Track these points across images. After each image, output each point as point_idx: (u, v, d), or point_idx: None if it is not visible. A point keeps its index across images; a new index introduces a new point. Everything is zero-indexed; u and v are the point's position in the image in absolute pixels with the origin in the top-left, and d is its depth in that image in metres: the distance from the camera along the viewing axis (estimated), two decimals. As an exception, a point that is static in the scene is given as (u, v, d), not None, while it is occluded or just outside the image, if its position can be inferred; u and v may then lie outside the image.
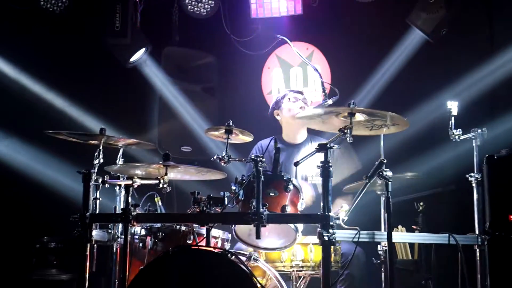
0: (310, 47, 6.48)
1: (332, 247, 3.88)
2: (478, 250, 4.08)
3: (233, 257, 3.67)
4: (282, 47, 6.47)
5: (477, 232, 4.12)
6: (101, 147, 4.21)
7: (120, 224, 4.15)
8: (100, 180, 3.94)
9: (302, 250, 4.09)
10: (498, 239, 3.91)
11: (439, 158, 5.42)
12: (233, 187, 3.78)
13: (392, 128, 3.81)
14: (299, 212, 3.85)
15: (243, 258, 3.86)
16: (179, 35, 6.48)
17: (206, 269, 3.55)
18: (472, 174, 4.19)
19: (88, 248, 3.78)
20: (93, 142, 4.30)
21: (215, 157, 3.95)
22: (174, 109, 6.21)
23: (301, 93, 5.26)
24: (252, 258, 3.94)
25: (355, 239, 3.72)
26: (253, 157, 3.59)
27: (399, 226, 4.79)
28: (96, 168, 4.08)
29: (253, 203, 3.52)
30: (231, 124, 4.02)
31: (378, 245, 4.35)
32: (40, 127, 4.63)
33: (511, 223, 3.86)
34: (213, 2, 6.33)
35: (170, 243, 4.15)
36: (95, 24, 5.98)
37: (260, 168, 3.57)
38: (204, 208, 3.73)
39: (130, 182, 3.82)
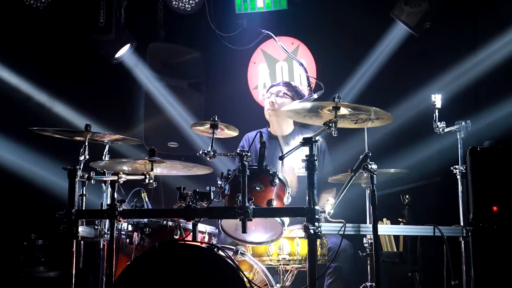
0: (295, 41, 6.49)
1: (319, 240, 3.91)
2: (463, 241, 4.12)
3: (220, 251, 3.67)
4: (267, 42, 6.48)
5: (462, 223, 4.15)
6: (86, 143, 4.20)
7: (107, 220, 4.15)
8: (85, 176, 3.93)
9: (288, 244, 4.11)
10: (481, 230, 3.96)
11: (424, 151, 5.46)
12: (219, 182, 3.79)
13: (376, 122, 3.83)
14: (285, 206, 3.87)
15: (230, 253, 3.87)
16: (164, 31, 6.48)
17: (193, 264, 3.56)
18: (456, 166, 4.22)
19: (75, 245, 3.77)
20: (78, 138, 4.28)
21: (200, 152, 3.95)
22: (160, 104, 6.20)
23: (273, 86, 5.29)
24: (239, 252, 3.96)
25: (341, 232, 3.74)
26: (238, 151, 3.60)
27: (384, 219, 4.82)
28: (82, 164, 4.07)
29: (239, 198, 3.54)
30: (216, 119, 4.01)
31: (364, 238, 4.38)
32: (24, 124, 4.61)
33: (495, 214, 3.91)
34: (198, -3, 6.33)
35: (157, 238, 4.16)
36: (79, 20, 5.94)
37: (246, 163, 3.58)
38: (190, 203, 3.73)
39: (115, 178, 3.82)
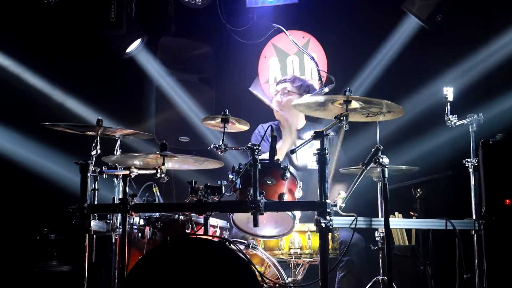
0: (306, 35, 6.47)
1: (330, 234, 3.91)
2: (475, 235, 4.10)
3: (232, 245, 3.68)
4: (278, 36, 6.47)
5: (474, 217, 4.14)
6: (98, 138, 4.21)
7: (119, 214, 4.17)
8: (97, 171, 3.95)
9: (300, 238, 4.10)
10: (494, 223, 3.94)
11: (436, 144, 5.43)
12: (230, 176, 3.79)
13: (388, 115, 3.82)
14: (296, 200, 3.87)
15: (242, 246, 3.88)
16: (175, 26, 6.48)
17: (205, 257, 3.56)
18: (468, 160, 4.20)
19: (87, 239, 3.79)
20: (90, 133, 4.30)
21: (212, 146, 3.96)
22: (171, 99, 6.22)
23: (280, 82, 5.27)
24: (250, 246, 3.96)
25: (353, 226, 3.74)
26: (249, 145, 3.60)
27: (396, 213, 4.81)
28: (94, 159, 4.09)
29: (250, 192, 3.54)
30: (227, 113, 4.01)
31: (376, 232, 4.37)
32: (37, 119, 4.63)
33: (507, 207, 3.90)
34: (208, -9, 6.33)
35: (169, 232, 4.17)
36: (90, 15, 5.96)
37: (257, 157, 3.58)
38: (202, 197, 3.74)
39: (127, 172, 3.83)
